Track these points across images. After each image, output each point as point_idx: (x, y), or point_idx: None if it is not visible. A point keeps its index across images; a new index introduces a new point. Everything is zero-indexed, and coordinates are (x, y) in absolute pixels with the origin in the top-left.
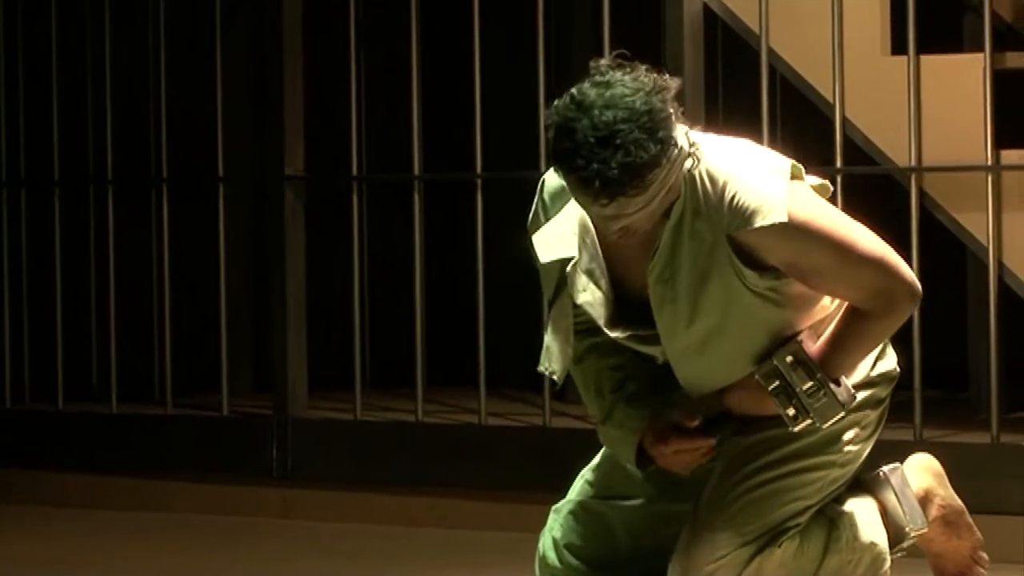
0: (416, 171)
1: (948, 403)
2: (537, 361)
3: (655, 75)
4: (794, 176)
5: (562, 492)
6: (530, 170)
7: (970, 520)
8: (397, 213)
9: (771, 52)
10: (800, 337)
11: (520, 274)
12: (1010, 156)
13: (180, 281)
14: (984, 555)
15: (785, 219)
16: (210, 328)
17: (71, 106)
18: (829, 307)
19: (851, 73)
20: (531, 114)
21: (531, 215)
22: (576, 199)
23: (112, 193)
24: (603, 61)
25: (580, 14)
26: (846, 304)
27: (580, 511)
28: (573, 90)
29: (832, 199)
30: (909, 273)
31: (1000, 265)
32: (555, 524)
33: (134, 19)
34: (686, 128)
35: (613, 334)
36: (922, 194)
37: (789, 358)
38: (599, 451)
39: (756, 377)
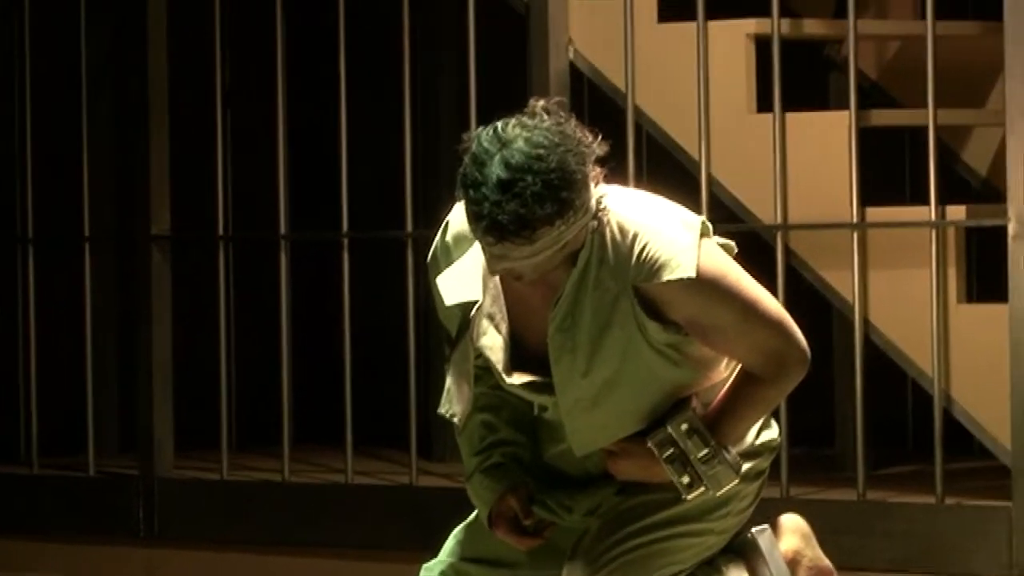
0: (282, 230)
1: (814, 460)
2: (404, 418)
3: (583, 134)
4: (703, 233)
5: (429, 551)
6: (396, 229)
7: None
8: (263, 272)
9: (637, 110)
10: (692, 404)
11: (387, 333)
12: (875, 214)
13: (46, 340)
14: None
15: (693, 275)
16: (76, 387)
17: None
18: (723, 373)
19: (717, 130)
20: (397, 174)
21: (430, 255)
22: (468, 227)
23: None
24: (541, 102)
25: (447, 72)
26: (736, 371)
27: (451, 573)
28: (500, 122)
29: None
30: (803, 340)
31: (866, 322)
32: None
33: (0, 74)
34: (600, 192)
35: (509, 380)
36: (788, 252)
37: (684, 426)
38: (469, 510)
39: (649, 445)
